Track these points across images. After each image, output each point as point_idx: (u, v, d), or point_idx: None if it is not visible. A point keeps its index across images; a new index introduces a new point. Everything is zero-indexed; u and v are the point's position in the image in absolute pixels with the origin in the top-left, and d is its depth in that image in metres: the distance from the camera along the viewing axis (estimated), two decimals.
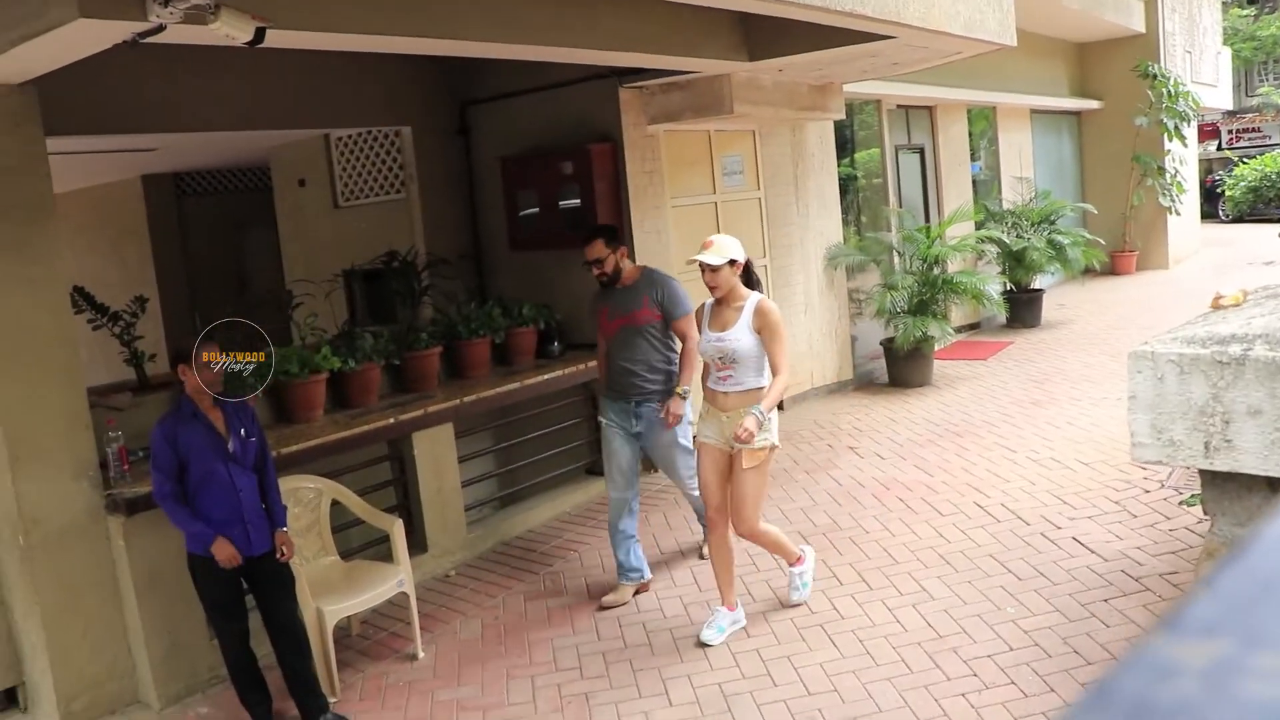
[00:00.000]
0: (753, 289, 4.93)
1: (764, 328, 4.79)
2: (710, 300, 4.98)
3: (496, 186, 7.70)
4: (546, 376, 6.89)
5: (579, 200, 7.18)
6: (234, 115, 6.57)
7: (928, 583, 5.36)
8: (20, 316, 4.65)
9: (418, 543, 6.13)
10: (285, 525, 4.58)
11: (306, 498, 5.25)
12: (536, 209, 7.46)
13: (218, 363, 4.35)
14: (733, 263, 4.81)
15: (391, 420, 5.94)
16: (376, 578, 5.18)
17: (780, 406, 5.07)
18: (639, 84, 7.28)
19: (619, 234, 5.81)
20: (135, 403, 5.52)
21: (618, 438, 5.59)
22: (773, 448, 4.88)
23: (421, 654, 5.22)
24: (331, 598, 4.94)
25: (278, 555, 4.50)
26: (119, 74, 5.59)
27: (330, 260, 8.09)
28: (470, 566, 6.32)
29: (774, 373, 4.81)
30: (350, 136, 8.28)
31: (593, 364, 7.13)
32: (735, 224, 8.20)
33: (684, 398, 5.46)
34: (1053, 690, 4.19)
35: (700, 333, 5.00)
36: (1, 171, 4.59)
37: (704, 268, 4.81)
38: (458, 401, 6.30)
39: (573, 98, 7.38)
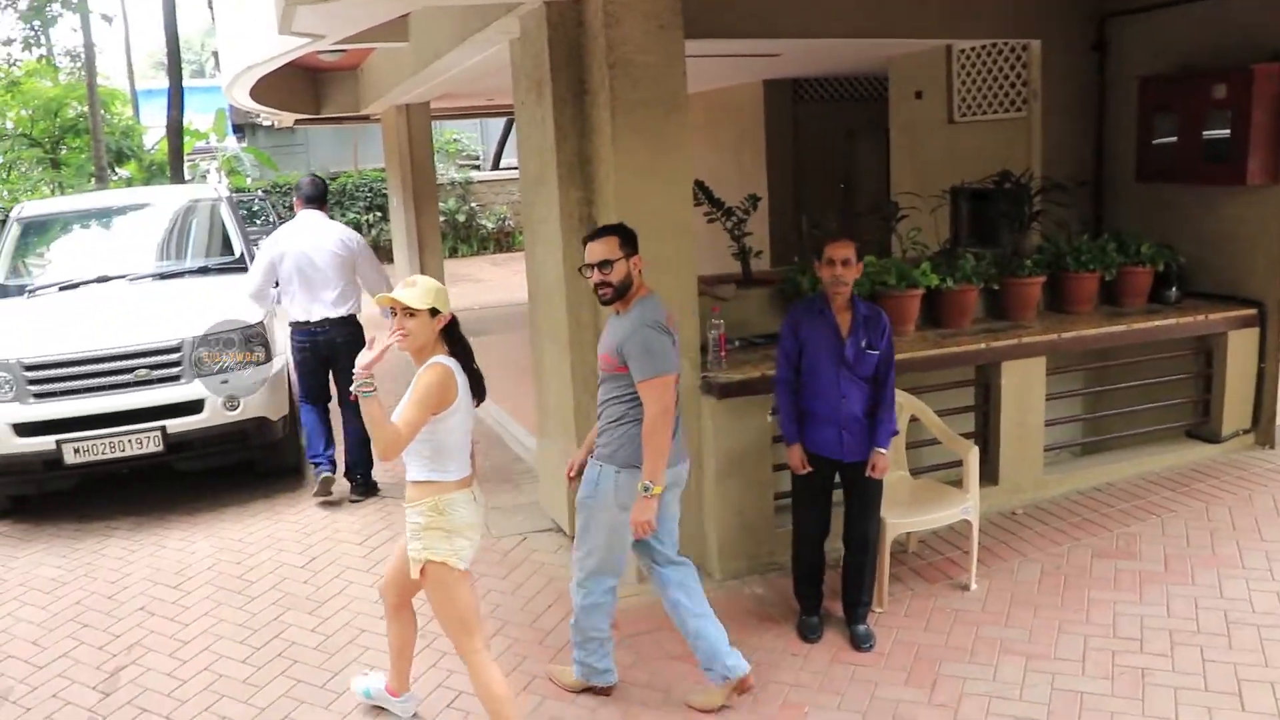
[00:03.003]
0: None
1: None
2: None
3: (1130, 109, 7.33)
4: (1157, 323, 6.59)
5: (1228, 130, 6.63)
6: (858, 22, 6.79)
7: None
8: (649, 202, 5.33)
9: (989, 474, 6.23)
10: (885, 446, 4.76)
11: None
12: (1174, 137, 7.01)
13: (849, 260, 4.61)
14: (434, 312, 3.83)
15: (983, 346, 6.04)
16: (942, 500, 5.37)
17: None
18: None
19: (637, 241, 4.34)
20: (738, 295, 6.11)
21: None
22: (443, 563, 3.88)
23: (974, 586, 5.36)
24: (895, 511, 5.20)
25: (868, 471, 4.76)
26: None
27: (939, 176, 8.22)
28: (1039, 508, 6.30)
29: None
30: (973, 49, 8.28)
31: (1213, 317, 6.69)
32: None
33: (649, 496, 4.12)
34: None
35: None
36: (647, 68, 5.25)
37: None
38: (1054, 336, 6.24)
39: (1238, 8, 6.73)
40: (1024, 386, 6.27)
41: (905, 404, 5.58)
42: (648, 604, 5.32)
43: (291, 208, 8.10)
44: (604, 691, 4.59)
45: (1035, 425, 6.36)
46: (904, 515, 5.26)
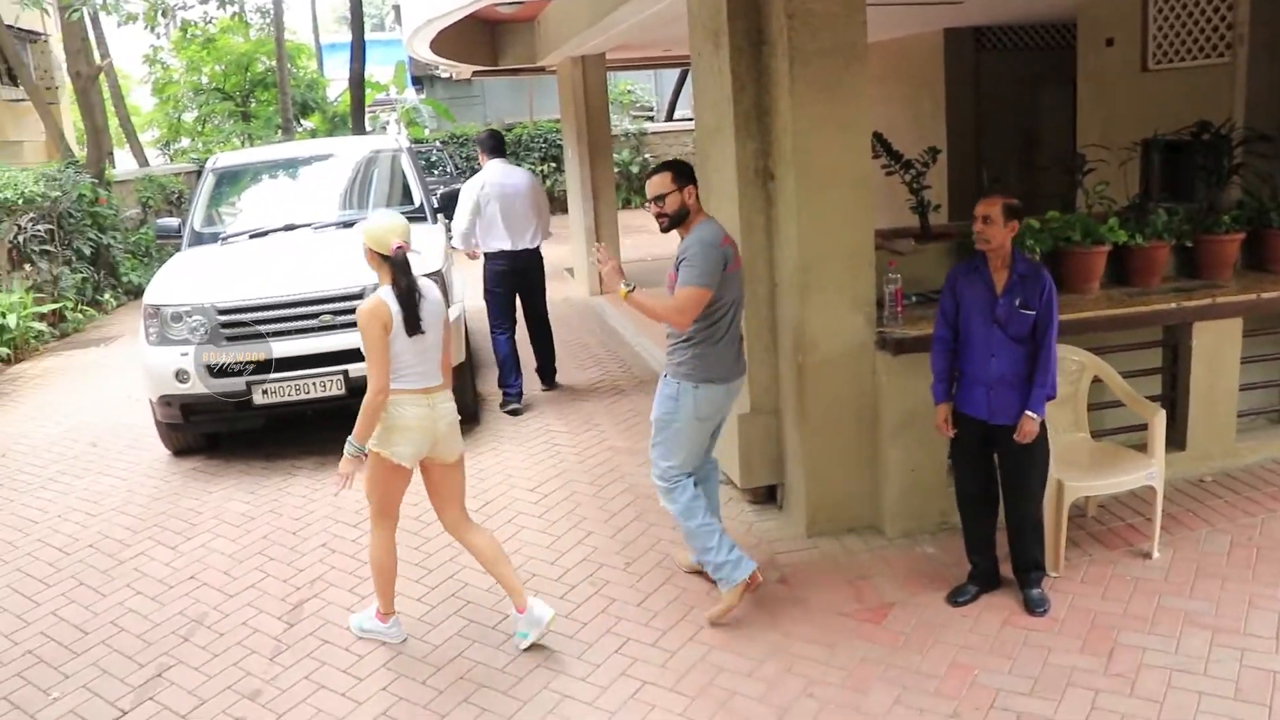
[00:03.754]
0: None
1: None
2: None
3: None
4: None
5: None
6: None
7: None
8: (827, 154, 5.27)
9: (1176, 439, 5.99)
10: (1037, 411, 4.56)
11: (1068, 369, 5.36)
12: None
13: (990, 217, 4.51)
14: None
15: (1173, 305, 5.77)
16: (1125, 465, 5.19)
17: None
18: None
19: (692, 172, 4.74)
20: (916, 249, 5.99)
21: None
22: (378, 453, 4.61)
23: (1156, 554, 5.17)
24: (1074, 474, 5.05)
25: (1016, 435, 4.60)
26: None
27: (1129, 127, 7.88)
28: (1230, 477, 6.03)
29: None
30: None
31: None
32: None
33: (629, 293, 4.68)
34: None
35: None
36: (827, 17, 5.16)
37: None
38: (1254, 296, 5.92)
39: None
40: (1217, 349, 5.98)
41: (1088, 364, 5.40)
42: (817, 558, 5.32)
43: (470, 158, 8.61)
44: (752, 584, 4.80)
45: (1228, 389, 6.06)
46: (1083, 478, 5.10)
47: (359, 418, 4.47)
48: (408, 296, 4.51)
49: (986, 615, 4.73)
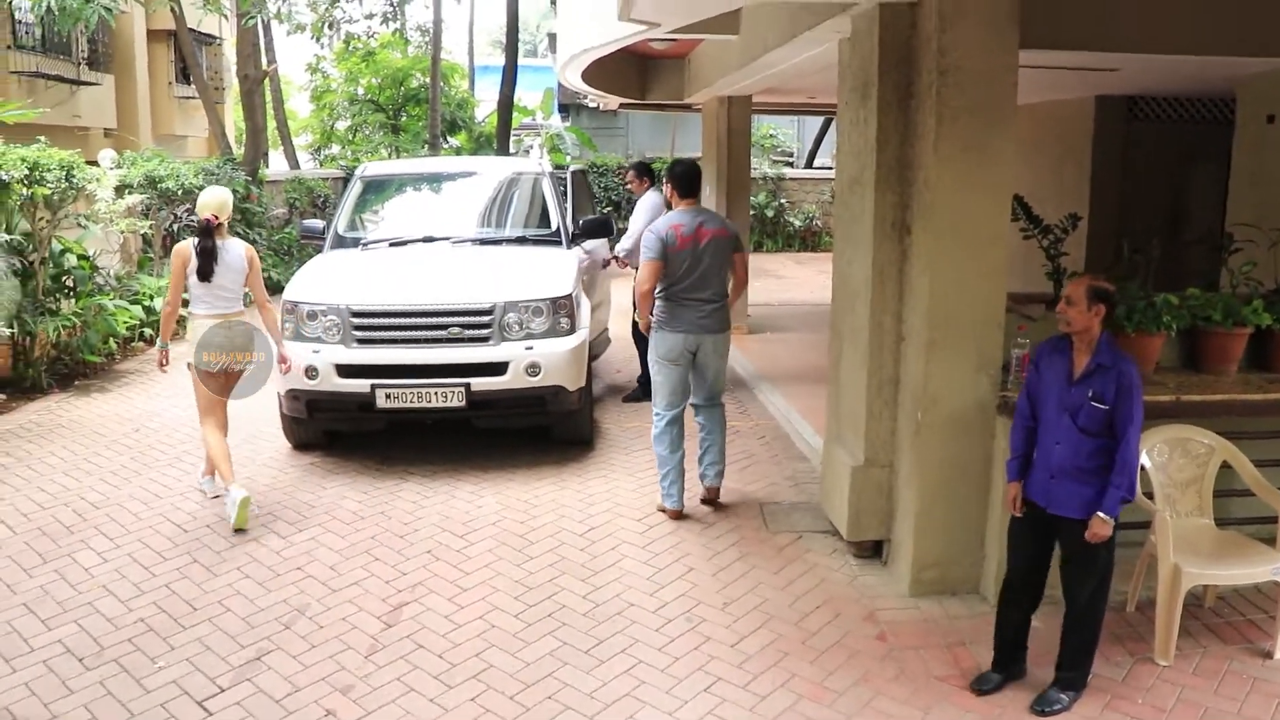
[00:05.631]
0: None
1: None
2: None
3: None
4: None
5: None
6: (1205, 37, 6.35)
7: None
8: (966, 212, 5.22)
9: None
10: (1111, 513, 4.29)
11: (1196, 451, 5.19)
12: None
13: (1072, 298, 4.31)
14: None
15: None
16: (1250, 556, 4.99)
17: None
18: None
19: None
20: (1046, 316, 5.84)
21: None
22: (191, 364, 6.64)
23: (1278, 654, 4.93)
24: (1194, 560, 4.87)
25: (1086, 534, 4.32)
26: None
27: None
28: None
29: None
30: None
31: None
32: None
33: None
34: None
35: None
36: (977, 75, 5.12)
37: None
38: None
39: None
40: None
41: (1218, 448, 5.21)
42: (917, 618, 5.23)
43: (609, 189, 8.64)
44: (670, 514, 6.67)
45: None
46: (1203, 566, 4.91)
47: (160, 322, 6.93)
48: (202, 253, 6.51)
49: (1089, 697, 4.57)
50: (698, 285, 6.46)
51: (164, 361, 6.68)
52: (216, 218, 6.60)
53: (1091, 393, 4.32)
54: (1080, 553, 4.42)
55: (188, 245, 6.58)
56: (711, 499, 6.84)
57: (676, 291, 6.46)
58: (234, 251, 6.66)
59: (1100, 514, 4.29)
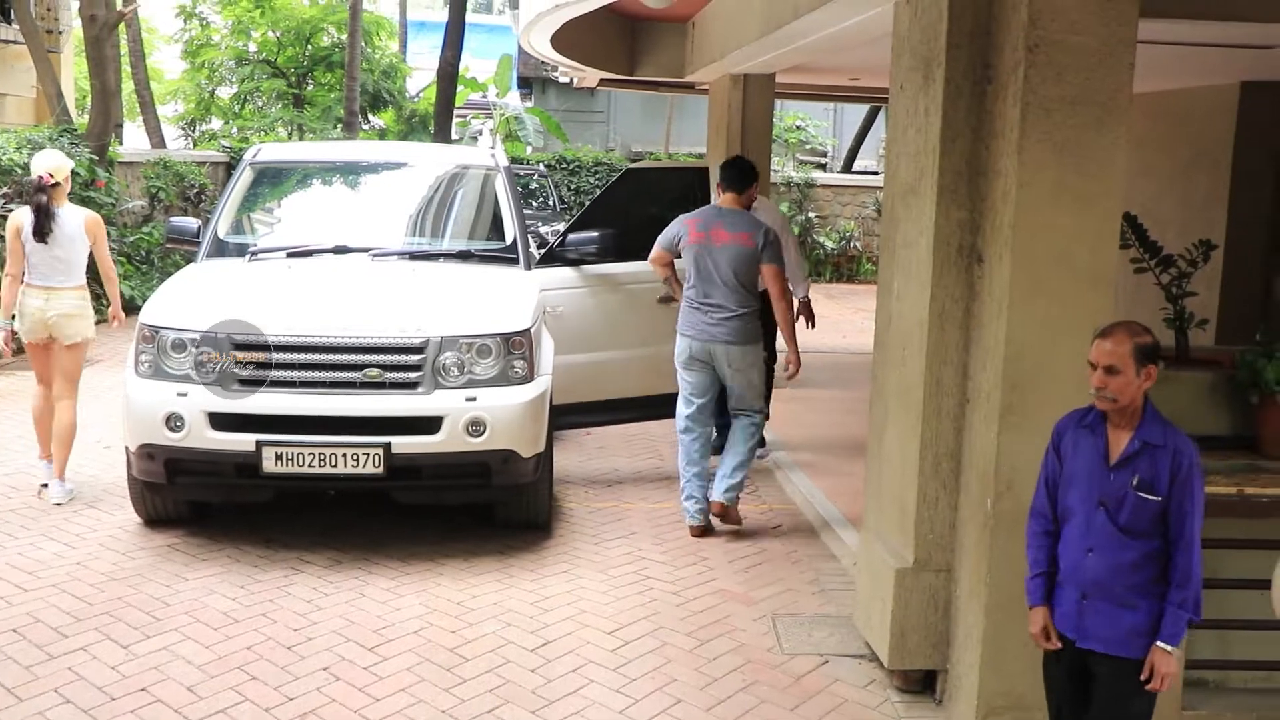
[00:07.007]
0: None
1: None
2: None
3: None
4: None
5: None
6: None
7: None
8: (1059, 235, 5.24)
9: None
10: (1173, 642, 4.19)
11: None
12: None
13: (1115, 367, 4.23)
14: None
15: None
16: None
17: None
18: None
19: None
20: (1166, 376, 5.85)
21: None
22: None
23: None
24: None
25: (1143, 673, 4.21)
26: None
27: None
28: None
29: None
30: None
31: None
32: None
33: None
34: None
35: None
36: (1080, 53, 5.14)
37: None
38: None
39: None
40: None
41: None
42: None
43: (580, 190, 8.93)
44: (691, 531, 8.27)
45: None
46: None
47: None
48: (37, 209, 8.04)
49: None
50: (705, 289, 7.99)
51: (7, 342, 8.27)
52: (52, 176, 8.16)
53: (1137, 480, 4.23)
54: (1118, 697, 4.30)
55: (21, 211, 8.22)
56: (720, 516, 8.28)
57: (687, 292, 8.13)
58: (73, 221, 8.28)
59: (1160, 643, 4.19)
